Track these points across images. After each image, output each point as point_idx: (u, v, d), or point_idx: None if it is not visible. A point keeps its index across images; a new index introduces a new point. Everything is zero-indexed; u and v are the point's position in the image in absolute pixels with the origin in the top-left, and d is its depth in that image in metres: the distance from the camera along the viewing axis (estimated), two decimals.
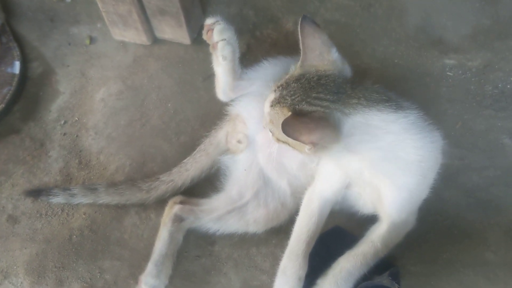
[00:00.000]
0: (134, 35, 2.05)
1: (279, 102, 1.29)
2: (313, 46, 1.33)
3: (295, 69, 1.38)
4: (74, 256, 1.70)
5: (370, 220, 1.48)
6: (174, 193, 1.73)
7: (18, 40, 2.14)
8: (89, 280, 1.66)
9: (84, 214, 1.77)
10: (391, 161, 1.29)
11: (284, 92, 1.29)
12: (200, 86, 1.98)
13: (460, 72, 1.91)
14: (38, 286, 1.66)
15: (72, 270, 1.68)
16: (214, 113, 1.90)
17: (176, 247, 1.65)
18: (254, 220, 1.63)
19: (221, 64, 1.63)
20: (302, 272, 1.44)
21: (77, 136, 1.93)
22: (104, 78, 2.05)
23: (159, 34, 2.06)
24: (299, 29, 1.33)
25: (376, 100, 1.25)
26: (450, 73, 1.92)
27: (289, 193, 1.64)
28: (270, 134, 1.37)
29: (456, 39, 1.97)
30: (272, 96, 1.33)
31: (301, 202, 1.54)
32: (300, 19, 1.34)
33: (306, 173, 1.61)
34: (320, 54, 1.33)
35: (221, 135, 1.75)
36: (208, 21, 1.64)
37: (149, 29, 2.02)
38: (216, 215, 1.65)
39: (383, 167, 1.31)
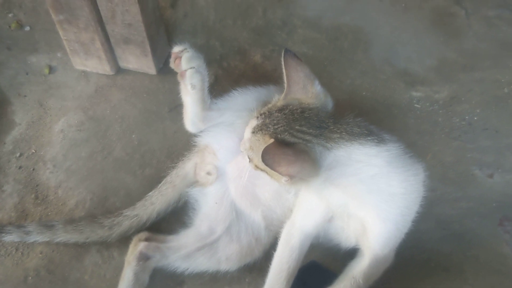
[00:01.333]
0: (97, 65, 1.98)
1: (261, 129, 1.26)
2: (297, 79, 1.33)
3: (277, 100, 1.36)
4: None
5: (347, 254, 1.43)
6: (139, 229, 1.64)
7: None
8: None
9: (40, 253, 1.64)
10: (375, 193, 1.27)
11: (267, 121, 1.26)
12: (166, 117, 1.92)
13: (427, 104, 1.93)
14: None
15: None
16: (181, 144, 1.84)
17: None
18: (226, 257, 1.55)
19: (190, 93, 1.58)
20: None
21: (33, 169, 1.81)
22: (64, 109, 1.95)
23: (123, 64, 2.00)
24: (282, 62, 1.33)
25: (357, 134, 1.25)
26: (417, 105, 1.93)
27: (263, 226, 1.58)
28: (247, 160, 1.33)
29: (422, 71, 1.99)
30: (254, 123, 1.29)
31: (279, 236, 1.48)
32: (282, 52, 1.34)
33: (281, 204, 1.56)
34: (303, 87, 1.33)
35: (189, 166, 1.68)
36: (176, 49, 1.59)
37: (112, 58, 1.96)
38: (185, 252, 1.56)
39: (367, 200, 1.28)
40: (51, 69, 2.06)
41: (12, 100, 1.98)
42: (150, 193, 1.67)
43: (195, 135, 1.68)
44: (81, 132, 1.89)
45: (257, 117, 1.30)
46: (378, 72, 2.00)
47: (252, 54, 2.07)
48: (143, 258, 1.55)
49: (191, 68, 1.56)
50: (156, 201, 1.65)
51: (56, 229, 1.62)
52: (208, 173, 1.63)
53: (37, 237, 1.62)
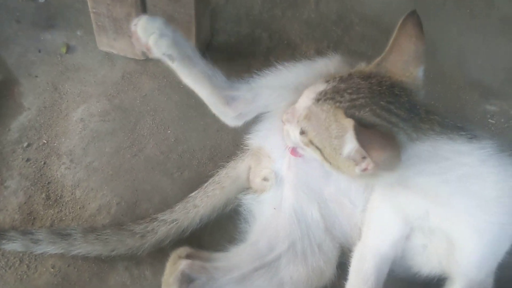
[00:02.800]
0: (126, 47, 1.68)
1: (332, 98, 1.00)
2: (404, 49, 1.06)
3: (364, 65, 1.13)
4: None
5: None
6: (176, 238, 1.33)
7: None
8: None
9: (52, 268, 1.30)
10: (464, 197, 1.02)
11: (342, 86, 1.01)
12: (207, 113, 1.59)
13: (502, 120, 1.71)
14: None
15: None
16: (225, 144, 1.57)
17: None
18: (290, 277, 1.25)
19: (179, 70, 1.26)
20: None
21: (44, 163, 1.49)
22: (84, 95, 1.64)
23: None
24: (399, 22, 1.07)
25: (449, 127, 1.03)
26: (492, 120, 1.71)
27: (322, 226, 1.28)
28: (296, 133, 1.07)
29: (497, 83, 1.78)
30: (320, 87, 1.04)
31: (349, 260, 1.20)
32: (408, 13, 1.08)
33: (343, 210, 1.28)
34: (405, 63, 1.06)
35: (241, 168, 1.39)
36: (132, 25, 1.26)
37: None
38: (239, 274, 1.25)
39: (455, 205, 1.03)
40: (69, 49, 1.74)
41: (21, 80, 1.66)
42: (193, 194, 1.38)
43: (241, 135, 1.40)
44: (105, 123, 1.57)
45: (328, 81, 1.05)
46: (448, 80, 1.77)
47: (304, 49, 1.81)
48: (186, 280, 1.23)
49: (151, 34, 1.22)
50: (200, 204, 1.36)
51: (73, 239, 1.29)
52: (265, 179, 1.34)
53: (48, 247, 1.29)
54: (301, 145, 1.08)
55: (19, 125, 1.56)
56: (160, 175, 1.48)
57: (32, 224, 1.38)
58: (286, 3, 1.93)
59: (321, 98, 1.01)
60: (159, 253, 1.32)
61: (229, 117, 1.33)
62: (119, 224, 1.35)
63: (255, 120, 1.35)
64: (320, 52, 1.80)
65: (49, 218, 1.39)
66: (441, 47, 1.86)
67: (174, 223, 1.33)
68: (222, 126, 1.55)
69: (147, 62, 1.71)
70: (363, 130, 0.91)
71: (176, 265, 1.25)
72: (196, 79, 1.27)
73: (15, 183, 1.44)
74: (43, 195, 1.43)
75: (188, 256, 1.27)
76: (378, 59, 1.09)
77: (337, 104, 0.99)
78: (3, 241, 1.30)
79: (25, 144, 1.52)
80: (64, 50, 1.73)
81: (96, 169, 1.48)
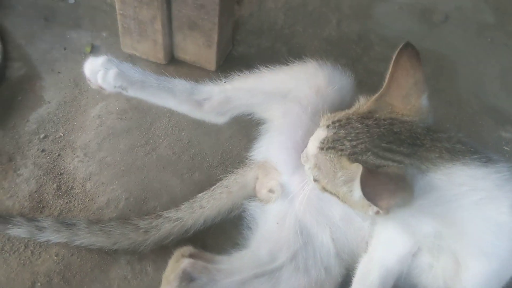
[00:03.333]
0: (149, 50, 1.71)
1: (333, 147, 0.99)
2: (402, 83, 1.03)
3: (364, 102, 1.08)
4: None
5: None
6: (180, 237, 1.33)
7: (0, 34, 1.75)
8: None
9: (56, 256, 1.31)
10: (479, 221, 0.99)
11: (342, 133, 0.99)
12: None
13: None
14: None
15: None
16: (236, 151, 1.58)
17: None
18: None
19: (140, 96, 1.31)
20: None
21: (59, 155, 1.51)
22: (103, 93, 1.65)
23: (179, 54, 1.74)
24: (394, 56, 1.03)
25: (461, 152, 0.99)
26: (507, 148, 1.69)
27: (333, 252, 1.27)
28: (311, 179, 1.05)
29: None
30: (322, 134, 1.02)
31: (352, 271, 1.19)
32: (402, 45, 1.03)
33: (354, 228, 1.27)
34: (406, 97, 1.03)
35: (250, 176, 1.39)
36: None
37: (169, 44, 1.70)
38: (239, 278, 1.24)
39: (468, 229, 1.00)
40: (93, 48, 1.79)
41: (43, 75, 1.70)
42: (200, 195, 1.37)
43: (248, 146, 1.41)
44: (122, 121, 1.60)
45: (328, 126, 1.02)
46: (464, 104, 1.77)
47: None
48: (187, 278, 1.22)
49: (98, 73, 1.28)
50: (206, 205, 1.35)
51: (77, 229, 1.30)
52: (271, 191, 1.34)
53: (52, 235, 1.30)
54: (319, 189, 1.07)
55: (37, 117, 1.59)
56: (170, 175, 1.49)
57: (41, 212, 1.39)
58: (308, 21, 1.96)
59: (323, 147, 1.00)
60: (162, 251, 1.31)
61: (209, 117, 1.36)
62: (125, 218, 1.36)
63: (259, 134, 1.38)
64: None
65: (58, 208, 1.41)
66: (460, 72, 1.87)
67: (179, 221, 1.33)
68: (234, 133, 1.58)
69: (168, 66, 1.75)
70: (370, 176, 0.88)
71: (179, 263, 1.24)
72: (157, 97, 1.31)
73: (28, 171, 1.46)
74: (54, 185, 1.45)
75: (191, 256, 1.27)
76: (377, 95, 1.05)
77: (339, 152, 0.98)
78: (9, 226, 1.31)
79: (42, 136, 1.55)
80: (88, 49, 1.78)
81: (109, 164, 1.50)
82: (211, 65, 1.71)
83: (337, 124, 1.01)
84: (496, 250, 1.01)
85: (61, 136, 1.55)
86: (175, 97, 1.29)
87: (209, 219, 1.36)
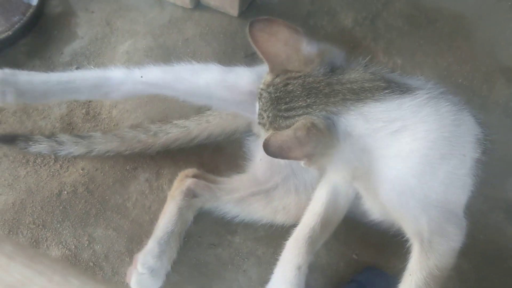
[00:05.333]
0: None
1: (260, 123, 1.09)
2: (276, 51, 1.03)
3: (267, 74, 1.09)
4: (60, 215, 1.36)
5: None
6: (185, 144, 1.46)
7: None
8: (73, 247, 1.32)
9: (82, 170, 1.44)
10: (392, 152, 1.01)
11: (260, 105, 1.07)
12: (241, 61, 1.69)
13: None
14: (4, 243, 1.30)
15: (54, 231, 1.34)
16: None
17: (184, 226, 1.34)
18: (283, 207, 1.35)
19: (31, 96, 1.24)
20: (302, 261, 1.15)
21: None
22: (132, 32, 1.78)
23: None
24: (249, 37, 1.04)
25: (369, 90, 1.01)
26: None
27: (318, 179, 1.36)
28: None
29: None
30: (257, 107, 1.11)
31: None
32: (248, 25, 1.05)
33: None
34: (288, 58, 1.03)
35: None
36: None
37: None
38: (238, 196, 1.36)
39: (382, 163, 1.03)
40: None
41: (78, 13, 1.82)
42: (208, 111, 1.49)
43: None
44: (148, 57, 1.71)
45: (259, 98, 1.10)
46: (478, 62, 1.81)
47: (342, 17, 1.89)
48: (190, 194, 1.36)
49: None
50: (213, 121, 1.47)
51: (93, 137, 1.44)
52: None
53: (72, 148, 1.43)
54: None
55: (71, 50, 1.72)
56: (189, 107, 1.60)
57: (70, 133, 1.52)
58: None
59: (265, 124, 1.07)
60: (178, 172, 1.43)
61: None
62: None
63: None
64: (356, 22, 1.88)
65: (86, 130, 1.53)
66: (477, 33, 1.90)
67: (185, 128, 1.45)
68: None
69: (193, 10, 1.84)
70: (274, 138, 0.94)
71: (183, 182, 1.38)
72: (66, 97, 1.35)
73: None
74: (84, 111, 1.57)
75: (194, 176, 1.40)
76: (268, 70, 1.06)
77: (265, 126, 1.06)
78: (30, 143, 1.44)
79: (75, 67, 1.67)
80: None
81: None
82: (234, 10, 1.80)
83: (258, 97, 1.08)
84: (404, 177, 1.02)
85: (92, 68, 1.67)
86: (83, 94, 1.27)
87: (213, 135, 1.47)
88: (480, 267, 1.39)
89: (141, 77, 1.25)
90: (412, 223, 1.08)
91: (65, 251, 1.30)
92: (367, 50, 1.81)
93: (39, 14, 1.76)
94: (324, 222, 1.20)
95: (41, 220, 1.35)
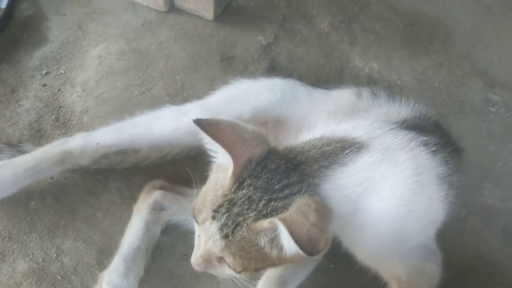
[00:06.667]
0: None
1: (238, 224, 0.91)
2: (232, 137, 0.95)
3: (222, 181, 0.96)
4: (27, 226, 1.32)
5: None
6: (157, 161, 1.41)
7: None
8: (40, 260, 1.27)
9: (50, 179, 1.40)
10: (361, 216, 0.99)
11: (235, 210, 0.91)
12: (217, 65, 1.71)
13: (503, 109, 1.73)
14: None
15: (21, 243, 1.29)
16: None
17: (151, 241, 1.30)
18: None
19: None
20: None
21: (59, 90, 1.59)
22: (105, 35, 1.74)
23: (179, 2, 1.80)
24: (205, 135, 0.94)
25: (331, 153, 0.98)
26: (492, 109, 1.73)
27: None
28: (236, 274, 0.98)
29: (503, 75, 1.80)
30: (213, 227, 0.92)
31: None
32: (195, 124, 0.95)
33: None
34: (243, 141, 0.95)
35: None
36: None
37: None
38: None
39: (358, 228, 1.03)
40: None
41: (50, 16, 1.78)
42: None
43: None
44: (120, 62, 1.67)
45: (213, 217, 0.93)
46: (455, 66, 1.81)
47: (319, 21, 1.87)
48: (157, 207, 1.32)
49: None
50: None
51: None
52: None
53: None
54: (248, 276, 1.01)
55: (41, 54, 1.67)
56: None
57: (39, 140, 1.48)
58: None
59: (228, 233, 0.92)
60: (150, 180, 1.40)
61: None
62: None
63: None
64: (333, 25, 1.86)
65: (55, 138, 1.48)
66: (455, 37, 1.90)
67: (155, 147, 1.40)
68: (227, 80, 1.63)
69: (168, 14, 1.81)
70: (290, 219, 0.85)
71: (149, 194, 1.34)
72: None
73: (29, 103, 1.55)
74: (53, 117, 1.53)
75: (162, 188, 1.36)
76: (232, 170, 0.94)
77: (247, 222, 0.91)
78: None
79: (44, 72, 1.63)
80: None
81: (105, 100, 1.58)
82: (209, 14, 1.78)
83: (223, 209, 0.92)
84: (379, 239, 1.03)
85: (62, 73, 1.63)
86: (54, 170, 1.33)
87: (184, 151, 1.41)
88: (459, 275, 1.38)
89: (97, 143, 1.31)
90: (389, 271, 1.11)
91: (32, 264, 1.26)
92: (343, 55, 1.80)
93: (8, 17, 1.71)
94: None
95: (7, 231, 1.30)
